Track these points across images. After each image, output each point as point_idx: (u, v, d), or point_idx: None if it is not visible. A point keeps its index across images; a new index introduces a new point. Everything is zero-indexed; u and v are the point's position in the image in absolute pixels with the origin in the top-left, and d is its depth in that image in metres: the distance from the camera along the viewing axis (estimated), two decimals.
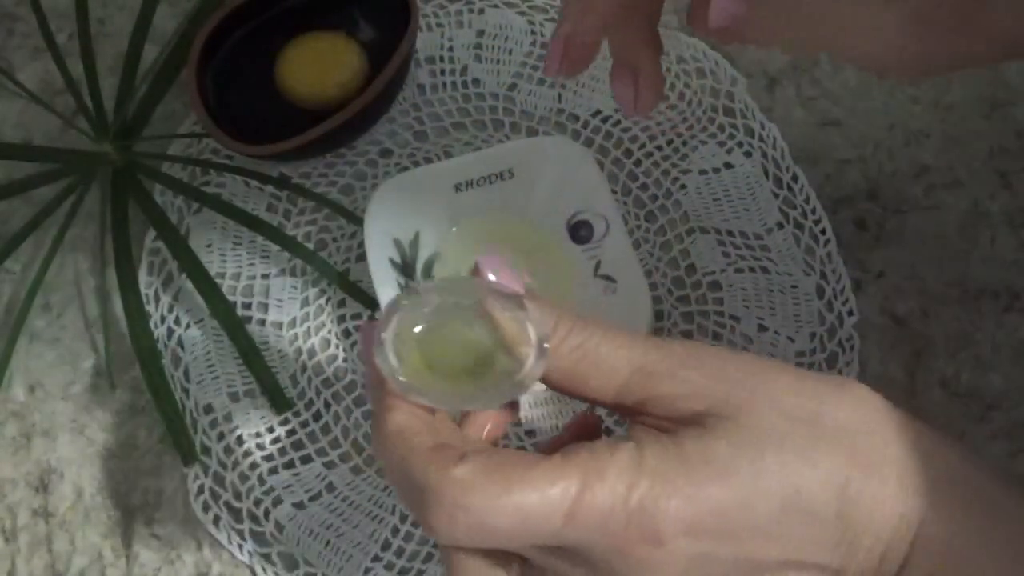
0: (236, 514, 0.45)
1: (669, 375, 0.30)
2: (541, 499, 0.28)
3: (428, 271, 0.48)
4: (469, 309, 0.30)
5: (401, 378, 0.29)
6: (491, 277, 0.31)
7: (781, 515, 0.29)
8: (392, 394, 0.30)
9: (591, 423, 0.34)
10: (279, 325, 0.49)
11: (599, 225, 0.47)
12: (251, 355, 0.47)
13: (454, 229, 0.48)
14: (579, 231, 0.48)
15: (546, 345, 0.30)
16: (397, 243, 0.48)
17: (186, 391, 0.48)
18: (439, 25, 0.55)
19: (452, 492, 0.28)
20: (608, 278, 0.47)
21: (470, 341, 0.30)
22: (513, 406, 0.32)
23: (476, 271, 0.31)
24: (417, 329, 0.30)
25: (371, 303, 0.48)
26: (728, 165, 0.51)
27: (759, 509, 0.29)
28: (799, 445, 0.30)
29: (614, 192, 0.51)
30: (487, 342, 0.30)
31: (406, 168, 0.52)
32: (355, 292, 0.48)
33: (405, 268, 0.47)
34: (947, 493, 0.30)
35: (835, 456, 0.30)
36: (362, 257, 0.48)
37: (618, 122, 0.53)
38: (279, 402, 0.47)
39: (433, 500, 0.28)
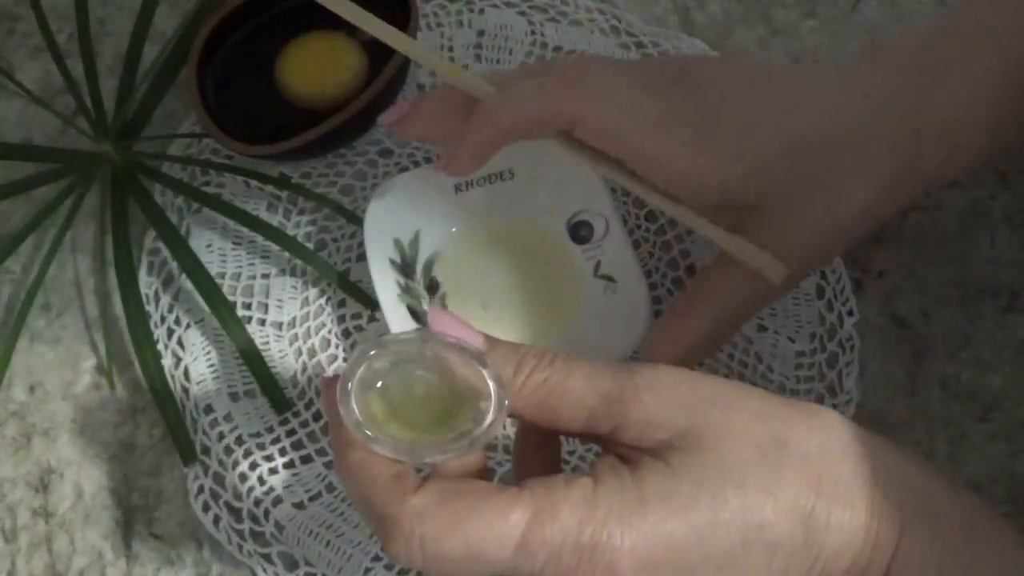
0: (236, 514, 0.45)
1: (634, 402, 0.30)
2: (491, 531, 0.28)
3: (428, 271, 0.48)
4: (431, 362, 0.31)
5: (367, 432, 0.29)
6: (447, 334, 0.31)
7: (743, 549, 0.29)
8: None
9: (545, 435, 0.34)
10: (279, 325, 0.49)
11: (599, 225, 0.47)
12: (251, 355, 0.47)
13: (454, 229, 0.48)
14: (579, 231, 0.48)
15: (507, 401, 0.30)
16: (397, 243, 0.48)
17: (186, 391, 0.48)
18: (439, 25, 0.55)
19: (408, 520, 0.28)
20: (608, 278, 0.47)
21: (431, 394, 0.31)
22: (480, 452, 0.32)
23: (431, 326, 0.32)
24: (380, 382, 0.30)
25: (371, 303, 0.48)
26: None
27: (718, 544, 0.29)
28: (762, 477, 0.30)
29: (614, 192, 0.51)
30: (448, 396, 0.30)
31: (406, 168, 0.52)
32: (355, 292, 0.48)
33: (405, 268, 0.47)
34: (921, 516, 0.30)
35: (799, 485, 0.30)
36: (362, 257, 0.48)
37: None
38: (279, 402, 0.47)
39: (391, 528, 0.29)
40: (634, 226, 0.50)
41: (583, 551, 0.28)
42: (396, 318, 0.46)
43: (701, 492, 0.29)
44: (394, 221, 0.48)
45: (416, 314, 0.47)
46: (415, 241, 0.48)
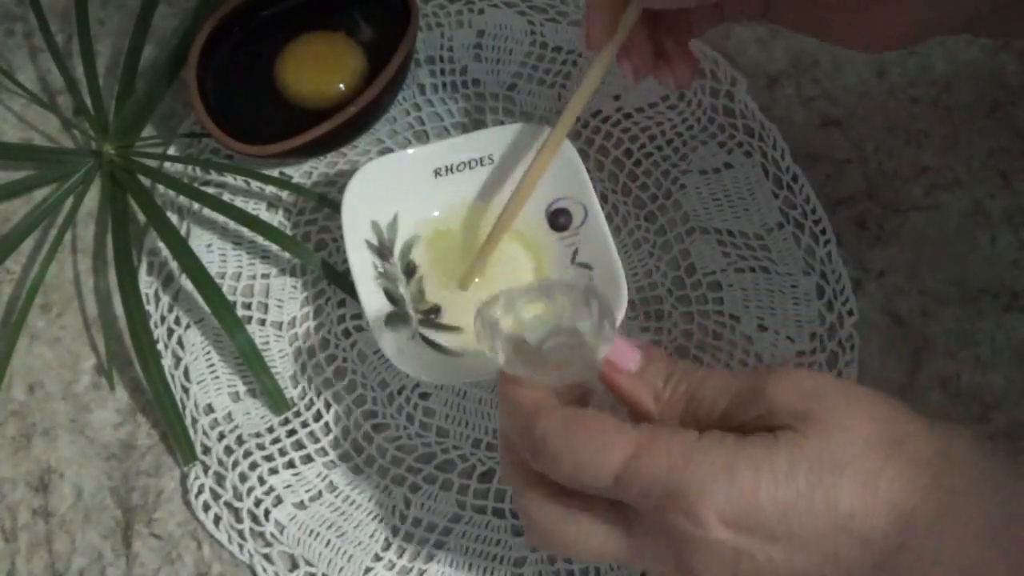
0: (236, 514, 0.45)
1: (760, 398, 0.33)
2: (593, 459, 0.32)
3: (406, 255, 0.48)
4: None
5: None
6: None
7: (834, 536, 0.30)
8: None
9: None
10: (279, 325, 0.49)
11: (577, 213, 0.47)
12: (251, 355, 0.47)
13: (433, 214, 0.48)
14: (558, 219, 0.48)
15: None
16: (375, 225, 0.47)
17: (186, 391, 0.48)
18: (439, 25, 0.55)
19: (538, 436, 0.33)
20: (586, 266, 0.47)
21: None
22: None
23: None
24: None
25: (353, 290, 0.46)
26: (728, 165, 0.51)
27: (804, 524, 0.30)
28: (863, 469, 0.31)
29: (614, 192, 0.51)
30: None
31: None
32: (354, 292, 0.48)
33: (382, 251, 0.47)
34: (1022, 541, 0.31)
35: (903, 486, 0.31)
36: None
37: (618, 122, 0.53)
38: (279, 402, 0.47)
39: (527, 440, 0.34)
40: (634, 226, 0.50)
41: (670, 493, 0.31)
42: (372, 301, 0.45)
43: (795, 470, 0.31)
44: (372, 203, 0.47)
45: (392, 297, 0.46)
46: (393, 224, 0.48)
